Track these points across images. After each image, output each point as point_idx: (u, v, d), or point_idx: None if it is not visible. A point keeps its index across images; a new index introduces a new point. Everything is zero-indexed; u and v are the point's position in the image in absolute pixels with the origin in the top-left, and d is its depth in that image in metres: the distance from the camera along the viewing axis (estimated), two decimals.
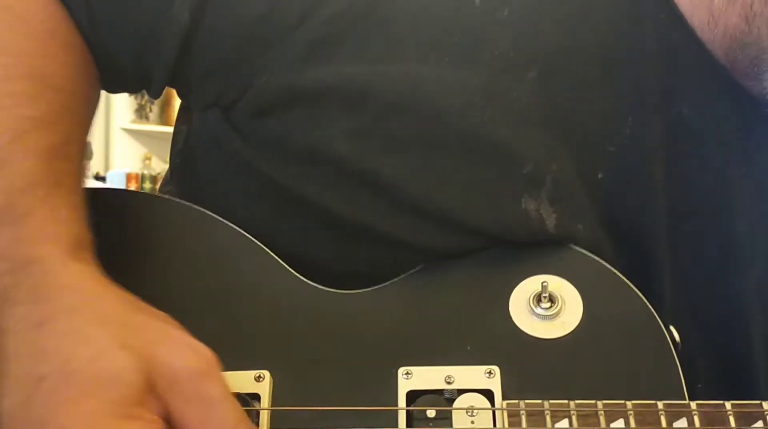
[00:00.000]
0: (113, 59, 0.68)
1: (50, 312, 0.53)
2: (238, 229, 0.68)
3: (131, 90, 0.76)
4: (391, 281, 0.66)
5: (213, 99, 0.70)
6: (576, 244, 0.65)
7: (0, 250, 0.55)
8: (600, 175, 0.67)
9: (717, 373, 0.66)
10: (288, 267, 0.66)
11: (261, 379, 0.61)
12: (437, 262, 0.66)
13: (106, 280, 0.57)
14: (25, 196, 0.57)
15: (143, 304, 0.57)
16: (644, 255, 0.67)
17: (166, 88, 0.72)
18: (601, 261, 0.65)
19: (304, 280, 0.66)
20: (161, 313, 0.57)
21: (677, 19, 0.69)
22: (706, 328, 0.68)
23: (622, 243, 0.67)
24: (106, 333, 0.52)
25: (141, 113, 4.21)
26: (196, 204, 0.70)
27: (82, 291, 0.54)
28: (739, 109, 0.69)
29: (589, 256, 0.65)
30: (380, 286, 0.66)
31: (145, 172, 4.16)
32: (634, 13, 0.69)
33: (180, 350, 0.53)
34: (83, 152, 0.65)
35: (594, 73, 0.67)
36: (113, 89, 0.73)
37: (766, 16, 0.66)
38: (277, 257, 0.67)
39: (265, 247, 0.67)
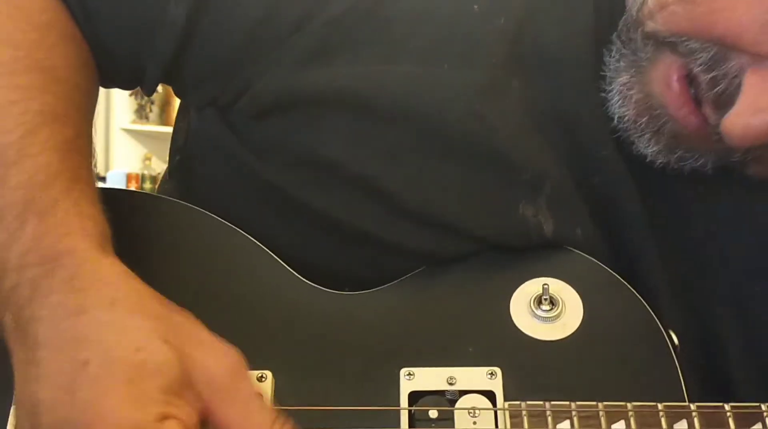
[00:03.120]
0: (108, 53, 0.68)
1: (88, 302, 0.53)
2: (239, 230, 0.68)
3: (126, 86, 0.74)
4: (394, 282, 0.66)
5: (210, 99, 0.70)
6: (575, 248, 0.66)
7: (26, 244, 0.55)
8: (595, 180, 0.67)
9: (699, 378, 0.67)
10: (290, 268, 0.67)
11: (263, 380, 0.61)
12: (439, 264, 0.66)
13: (135, 275, 0.57)
14: (46, 190, 0.57)
15: (170, 302, 0.57)
16: (636, 261, 0.67)
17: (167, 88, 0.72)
18: (602, 265, 0.65)
19: (306, 281, 0.66)
20: (188, 312, 0.58)
21: None
22: (694, 332, 0.68)
23: (617, 247, 0.67)
24: (148, 326, 0.53)
25: (141, 113, 4.20)
26: (195, 204, 0.70)
27: (118, 283, 0.55)
28: None
29: (590, 259, 0.65)
30: (382, 287, 0.66)
31: (145, 172, 4.16)
32: (601, 13, 0.69)
33: (214, 351, 0.54)
34: (91, 145, 0.66)
35: (585, 79, 0.67)
36: (108, 84, 0.72)
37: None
38: (278, 258, 0.67)
39: (266, 249, 0.67)
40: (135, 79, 0.71)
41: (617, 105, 0.65)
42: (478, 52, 0.66)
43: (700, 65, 0.60)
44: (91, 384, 0.50)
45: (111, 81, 0.72)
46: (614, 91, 0.65)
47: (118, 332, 0.52)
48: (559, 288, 0.65)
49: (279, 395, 0.61)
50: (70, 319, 0.52)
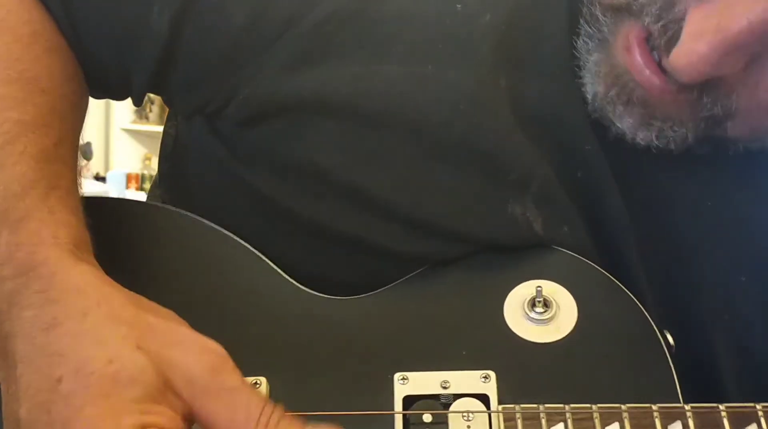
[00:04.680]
0: (94, 64, 0.68)
1: (60, 314, 0.52)
2: (233, 235, 0.68)
3: (115, 96, 0.74)
4: (387, 287, 0.66)
5: (197, 107, 0.69)
6: (562, 246, 0.66)
7: (1, 257, 0.55)
8: (579, 174, 0.67)
9: (686, 375, 0.67)
10: (283, 273, 0.67)
11: (257, 386, 0.61)
12: (432, 267, 0.66)
13: (110, 280, 0.57)
14: (21, 200, 0.57)
15: (149, 302, 0.57)
16: (621, 257, 0.67)
17: None
18: (595, 266, 0.65)
19: (300, 286, 0.66)
20: (166, 310, 0.57)
21: None
22: (677, 328, 0.68)
23: (602, 244, 0.67)
24: (120, 334, 0.52)
25: (141, 113, 4.21)
26: (184, 210, 0.70)
27: (90, 291, 0.54)
28: None
29: (583, 261, 0.65)
30: (376, 291, 0.66)
31: (145, 172, 4.16)
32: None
33: (192, 349, 0.53)
34: (76, 155, 0.65)
35: (567, 75, 0.67)
36: (98, 94, 0.72)
37: None
38: (272, 264, 0.67)
39: (260, 254, 0.67)
40: (123, 90, 0.71)
41: (589, 84, 0.65)
42: (465, 51, 0.66)
43: (651, 17, 0.61)
44: (66, 401, 0.50)
45: (100, 91, 0.72)
46: (588, 73, 0.65)
47: (90, 344, 0.51)
48: (552, 290, 0.64)
49: (273, 401, 0.61)
50: (44, 335, 0.52)
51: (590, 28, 0.65)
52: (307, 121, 0.65)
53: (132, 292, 0.57)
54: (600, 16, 0.64)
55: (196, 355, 0.53)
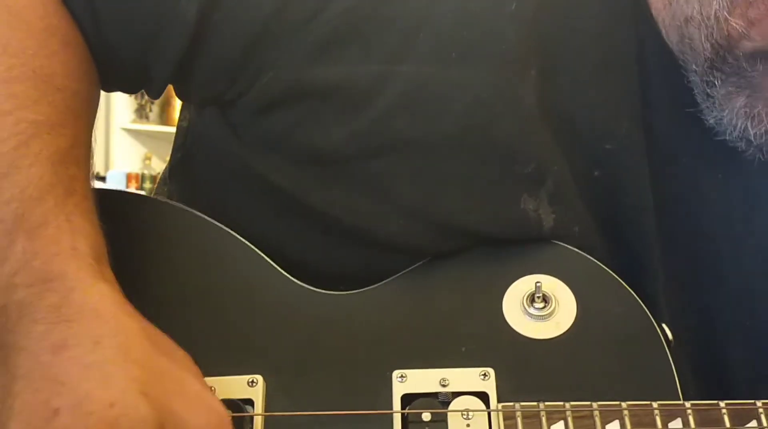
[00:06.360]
0: (114, 57, 0.66)
1: (72, 337, 0.51)
2: (231, 232, 0.67)
3: (130, 89, 0.74)
4: (384, 282, 0.66)
5: (216, 96, 0.69)
6: (571, 246, 0.65)
7: (15, 263, 0.53)
8: (596, 173, 0.67)
9: (701, 379, 0.66)
10: (281, 269, 0.66)
11: (254, 384, 0.60)
12: (430, 260, 0.66)
13: (129, 306, 0.55)
14: (38, 204, 0.55)
15: (164, 339, 0.56)
16: (637, 257, 0.67)
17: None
18: (594, 260, 0.65)
19: (297, 282, 0.66)
20: (181, 352, 0.56)
21: (646, 15, 0.68)
22: (695, 330, 0.68)
23: (616, 244, 0.67)
24: (129, 374, 0.51)
25: (141, 113, 4.20)
26: (195, 201, 0.70)
27: (107, 318, 0.53)
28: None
29: (582, 256, 0.65)
30: (373, 286, 0.65)
31: (145, 172, 4.16)
32: (616, 10, 0.68)
33: (196, 406, 0.52)
34: (89, 155, 0.64)
35: (591, 69, 0.67)
36: (111, 88, 0.71)
37: None
38: (269, 260, 0.66)
39: (257, 250, 0.67)
40: (141, 82, 0.70)
41: (745, 126, 0.63)
42: (489, 41, 0.65)
43: None
44: None
45: (114, 84, 0.71)
46: (735, 116, 0.64)
47: (95, 380, 0.50)
48: (551, 285, 0.64)
49: (270, 400, 0.61)
50: (51, 355, 0.50)
51: (727, 75, 0.63)
52: (328, 109, 0.65)
53: (149, 324, 0.56)
54: (743, 62, 0.62)
55: (199, 414, 0.52)
